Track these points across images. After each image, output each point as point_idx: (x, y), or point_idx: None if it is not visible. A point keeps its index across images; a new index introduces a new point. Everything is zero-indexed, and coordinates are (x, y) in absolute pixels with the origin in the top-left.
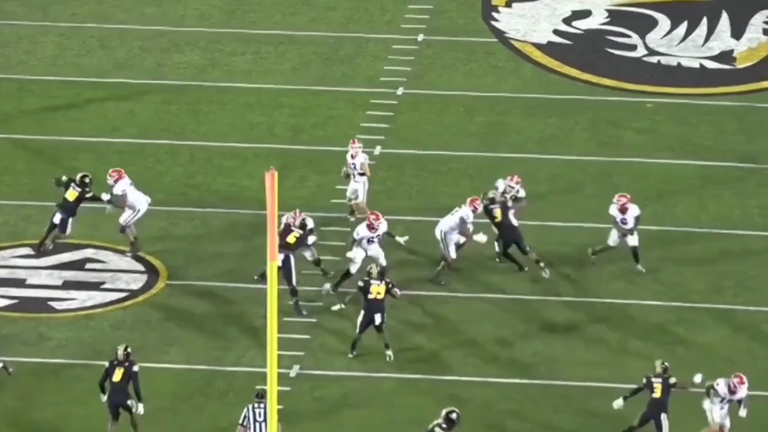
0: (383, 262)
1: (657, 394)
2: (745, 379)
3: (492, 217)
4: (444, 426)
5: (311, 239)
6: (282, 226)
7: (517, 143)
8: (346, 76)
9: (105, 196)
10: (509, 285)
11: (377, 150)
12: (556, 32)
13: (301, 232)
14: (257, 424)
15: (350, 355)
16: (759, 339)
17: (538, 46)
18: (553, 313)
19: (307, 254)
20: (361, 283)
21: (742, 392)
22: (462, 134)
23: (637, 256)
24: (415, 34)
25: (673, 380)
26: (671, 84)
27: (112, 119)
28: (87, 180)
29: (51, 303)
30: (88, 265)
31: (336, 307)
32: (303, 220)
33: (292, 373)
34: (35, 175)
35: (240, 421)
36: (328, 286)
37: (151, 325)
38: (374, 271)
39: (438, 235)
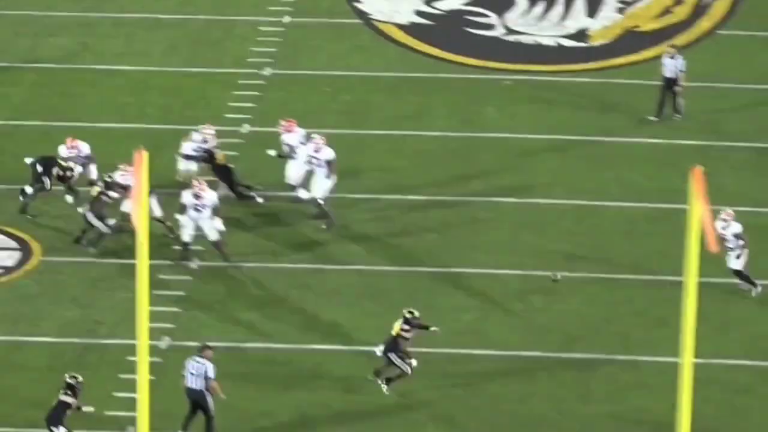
0: (213, 236)
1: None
2: None
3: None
4: (407, 328)
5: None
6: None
7: (381, 120)
8: (215, 58)
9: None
10: (371, 257)
11: (245, 128)
12: (418, 13)
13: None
14: (191, 377)
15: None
16: (612, 305)
17: (401, 27)
18: (415, 284)
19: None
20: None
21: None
22: (328, 112)
23: None
24: (280, 16)
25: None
26: (529, 62)
27: None
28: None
29: None
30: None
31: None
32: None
33: (163, 345)
34: None
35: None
36: (197, 260)
37: (25, 301)
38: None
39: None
